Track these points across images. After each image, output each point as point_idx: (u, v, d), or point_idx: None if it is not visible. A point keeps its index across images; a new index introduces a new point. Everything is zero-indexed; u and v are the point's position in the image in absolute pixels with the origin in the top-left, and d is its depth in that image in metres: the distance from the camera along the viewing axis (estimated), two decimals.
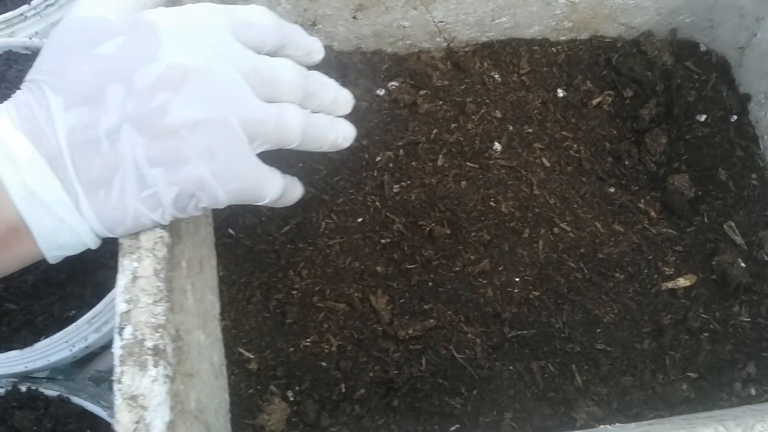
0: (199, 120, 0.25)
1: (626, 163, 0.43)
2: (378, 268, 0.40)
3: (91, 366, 0.44)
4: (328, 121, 0.31)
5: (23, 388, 0.38)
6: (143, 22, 0.25)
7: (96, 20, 0.25)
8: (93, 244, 0.26)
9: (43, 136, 0.24)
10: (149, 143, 0.24)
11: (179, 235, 0.32)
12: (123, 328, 0.27)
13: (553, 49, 0.44)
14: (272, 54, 0.29)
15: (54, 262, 0.26)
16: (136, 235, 0.28)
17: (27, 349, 0.37)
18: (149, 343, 0.27)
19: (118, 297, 0.27)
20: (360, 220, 0.40)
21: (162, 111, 0.24)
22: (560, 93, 0.45)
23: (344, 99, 0.32)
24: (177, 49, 0.24)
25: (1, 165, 0.23)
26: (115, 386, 0.26)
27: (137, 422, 0.25)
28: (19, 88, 0.26)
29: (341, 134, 0.32)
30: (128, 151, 0.24)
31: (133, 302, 0.27)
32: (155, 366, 0.26)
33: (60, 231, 0.25)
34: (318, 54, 0.33)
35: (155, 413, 0.26)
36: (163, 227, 0.28)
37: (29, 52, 0.42)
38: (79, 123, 0.24)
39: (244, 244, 0.41)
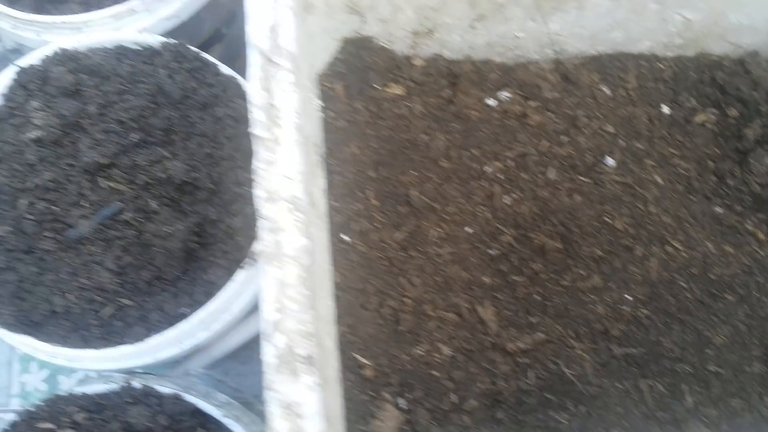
0: None
1: (729, 182, 0.43)
2: (485, 279, 0.39)
3: (187, 363, 0.43)
4: None
5: (137, 385, 0.37)
6: None
7: None
8: None
9: None
10: None
11: (313, 241, 0.32)
12: (274, 336, 0.26)
13: (659, 64, 0.43)
14: None
15: None
16: (278, 243, 0.27)
17: (139, 344, 0.36)
18: (301, 351, 0.26)
19: (267, 306, 0.27)
20: (470, 230, 0.40)
21: None
22: (665, 109, 0.44)
23: None
24: None
25: None
26: (270, 394, 0.26)
27: (293, 430, 0.25)
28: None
29: None
30: None
31: (282, 311, 0.27)
32: (308, 374, 0.26)
33: None
34: None
35: (311, 422, 0.25)
36: (305, 235, 0.27)
37: (139, 48, 0.39)
38: None
39: (359, 251, 0.41)
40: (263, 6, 0.27)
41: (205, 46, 0.46)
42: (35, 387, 0.49)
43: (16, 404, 0.49)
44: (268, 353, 0.26)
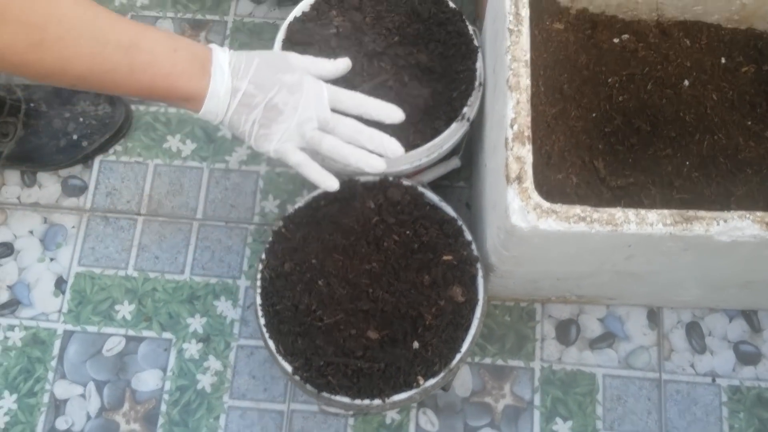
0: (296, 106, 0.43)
1: (758, 110, 0.58)
2: (600, 145, 0.55)
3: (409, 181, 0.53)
4: (351, 153, 0.45)
5: (391, 178, 0.50)
6: (306, 79, 0.44)
7: (292, 64, 0.44)
8: (217, 124, 0.43)
9: (238, 81, 0.42)
10: (267, 110, 0.42)
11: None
12: (514, 125, 0.41)
13: (722, 32, 0.60)
14: (355, 115, 0.45)
15: (191, 112, 0.42)
16: (518, 81, 0.40)
17: (390, 158, 0.49)
18: (526, 133, 0.41)
19: (509, 110, 0.41)
20: (594, 115, 0.56)
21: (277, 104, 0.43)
22: (723, 60, 0.60)
23: (384, 142, 0.45)
24: (307, 84, 0.44)
25: (218, 71, 0.41)
26: (509, 152, 0.40)
27: (521, 171, 0.40)
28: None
29: (360, 160, 0.45)
30: (258, 108, 0.42)
31: (516, 113, 0.41)
32: (528, 144, 0.40)
33: (211, 109, 0.41)
34: (390, 119, 0.46)
35: (528, 166, 0.40)
36: (527, 79, 0.39)
37: None
38: (251, 90, 0.42)
39: (531, 115, 0.46)
40: None
41: None
42: (270, 210, 0.65)
43: (256, 219, 0.64)
44: (510, 132, 0.42)
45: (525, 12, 0.44)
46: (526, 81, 0.42)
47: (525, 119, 0.42)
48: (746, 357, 0.61)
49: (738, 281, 0.55)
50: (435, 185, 0.59)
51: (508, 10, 0.44)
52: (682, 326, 0.62)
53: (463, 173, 0.67)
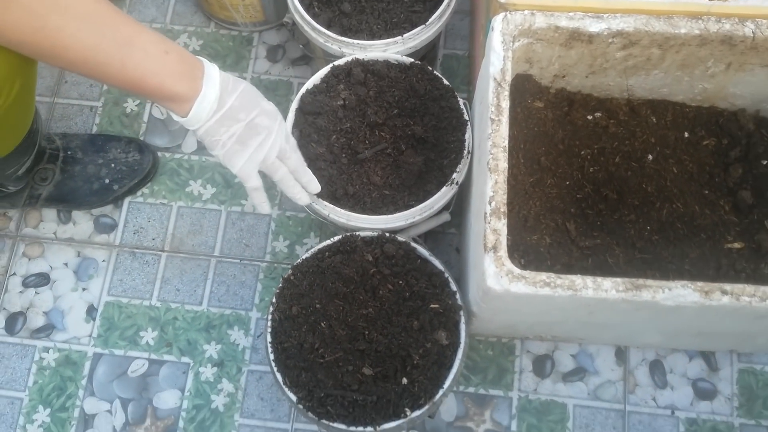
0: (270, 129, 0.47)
1: (716, 179, 0.62)
2: (572, 209, 0.59)
3: (402, 234, 0.60)
4: (294, 185, 0.52)
5: (387, 234, 0.55)
6: (278, 111, 0.49)
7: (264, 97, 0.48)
8: (193, 130, 0.46)
9: (226, 95, 0.44)
10: (247, 128, 0.46)
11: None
12: (492, 201, 0.46)
13: (686, 109, 0.64)
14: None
15: (172, 113, 0.45)
16: (496, 164, 0.45)
17: (389, 216, 0.54)
18: (502, 209, 0.46)
19: (488, 189, 0.45)
20: (568, 183, 0.60)
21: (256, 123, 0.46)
22: (686, 134, 0.64)
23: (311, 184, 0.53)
24: (280, 116, 0.49)
25: (209, 79, 0.44)
26: (486, 225, 0.46)
27: (497, 242, 0.46)
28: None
29: (298, 194, 0.52)
30: (240, 124, 0.45)
31: (495, 192, 0.46)
32: (504, 218, 0.45)
33: (197, 113, 0.43)
34: (314, 189, 0.54)
35: (503, 237, 0.45)
36: (505, 163, 0.45)
37: (398, 63, 0.62)
38: (237, 106, 0.45)
39: (511, 184, 0.54)
40: (499, 60, 0.50)
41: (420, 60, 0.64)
42: (280, 249, 0.70)
43: (267, 258, 0.70)
44: (488, 208, 0.47)
45: (505, 104, 0.50)
46: (503, 164, 0.48)
47: (501, 197, 0.48)
48: (703, 393, 0.67)
49: (690, 332, 0.60)
50: (428, 232, 0.64)
51: (490, 101, 0.50)
52: (646, 364, 0.68)
53: (453, 221, 0.73)
